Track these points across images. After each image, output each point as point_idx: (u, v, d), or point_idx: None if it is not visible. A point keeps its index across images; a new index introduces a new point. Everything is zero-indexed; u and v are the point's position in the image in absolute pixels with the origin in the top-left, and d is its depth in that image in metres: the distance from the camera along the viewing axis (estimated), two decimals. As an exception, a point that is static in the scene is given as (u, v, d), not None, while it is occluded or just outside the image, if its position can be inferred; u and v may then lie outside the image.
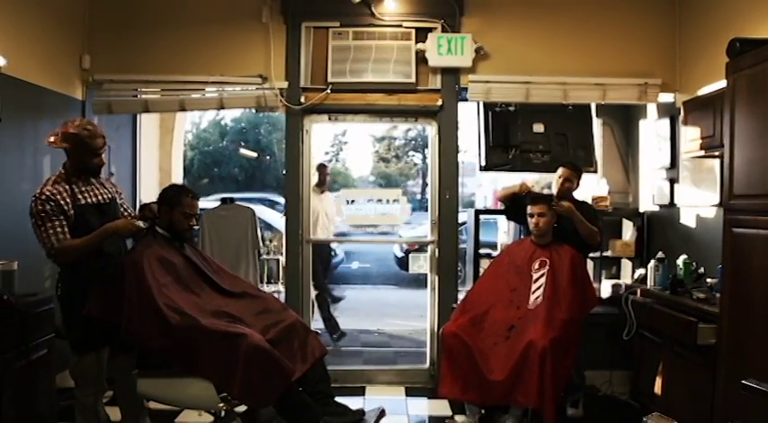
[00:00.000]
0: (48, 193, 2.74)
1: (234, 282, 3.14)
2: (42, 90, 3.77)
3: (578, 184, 3.68)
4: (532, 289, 3.26)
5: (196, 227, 3.29)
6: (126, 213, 3.10)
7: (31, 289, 3.23)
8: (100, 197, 2.92)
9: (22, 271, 3.13)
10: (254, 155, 14.51)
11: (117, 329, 2.72)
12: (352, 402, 3.82)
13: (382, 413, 2.99)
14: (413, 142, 16.86)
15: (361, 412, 3.02)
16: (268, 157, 14.99)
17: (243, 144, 15.33)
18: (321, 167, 5.47)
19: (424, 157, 14.24)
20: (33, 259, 3.45)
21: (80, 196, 2.83)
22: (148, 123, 5.22)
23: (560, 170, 3.66)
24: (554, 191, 3.67)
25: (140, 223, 2.85)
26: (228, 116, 15.41)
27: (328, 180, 5.82)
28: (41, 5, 3.77)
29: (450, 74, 4.20)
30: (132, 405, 3.10)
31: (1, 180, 3.38)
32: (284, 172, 4.38)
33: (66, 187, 2.80)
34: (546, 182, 4.77)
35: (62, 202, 2.75)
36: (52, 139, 2.83)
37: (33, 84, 3.65)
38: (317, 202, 5.10)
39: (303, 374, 2.88)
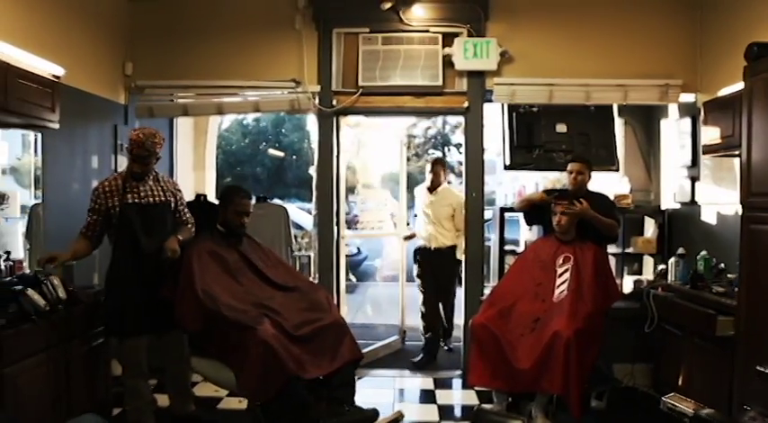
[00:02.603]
0: (100, 188, 3.07)
1: (289, 277, 3.33)
2: (90, 96, 3.99)
3: (590, 176, 3.81)
4: (557, 283, 3.41)
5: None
6: (178, 215, 3.32)
7: (88, 282, 3.49)
8: (149, 199, 3.15)
9: (79, 265, 3.37)
10: (282, 155, 14.75)
11: (153, 316, 3.02)
12: (384, 392, 4.05)
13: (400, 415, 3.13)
14: (432, 140, 16.95)
15: (374, 412, 3.09)
16: (294, 157, 15.22)
17: (265, 143, 15.59)
18: (437, 164, 5.08)
19: (444, 156, 14.33)
20: (94, 254, 3.71)
21: (128, 195, 3.08)
22: (184, 126, 5.46)
23: (570, 165, 3.80)
24: (568, 187, 3.81)
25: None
26: (250, 116, 15.64)
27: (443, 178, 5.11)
28: (90, 18, 4.00)
29: (476, 77, 4.34)
30: (180, 391, 3.34)
31: (57, 182, 3.61)
32: (309, 171, 4.58)
33: (120, 184, 3.07)
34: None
35: (110, 196, 3.04)
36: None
37: (83, 90, 3.86)
38: (425, 202, 5.01)
39: (329, 375, 3.00)
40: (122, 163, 4.28)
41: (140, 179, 3.15)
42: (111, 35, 4.29)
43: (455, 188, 5.43)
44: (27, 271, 3.14)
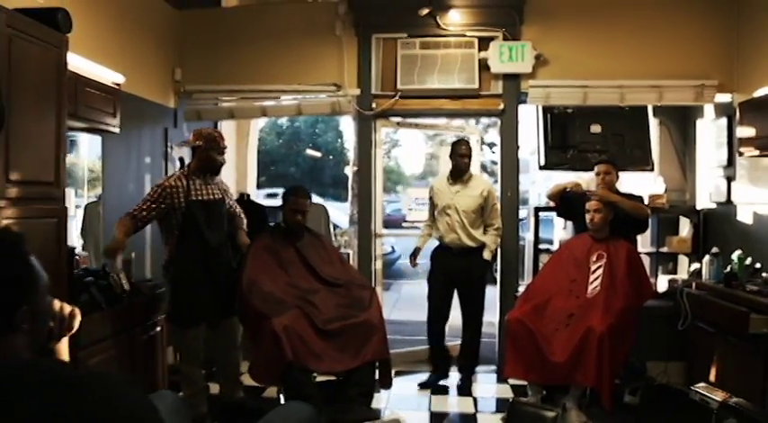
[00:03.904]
0: (166, 185, 3.26)
1: (343, 273, 3.51)
2: (143, 101, 4.22)
3: (618, 177, 3.91)
4: (590, 279, 3.51)
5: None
6: (231, 208, 3.57)
7: (141, 276, 3.73)
8: (211, 196, 3.37)
9: (137, 260, 3.62)
10: (319, 155, 15.01)
11: (215, 306, 3.28)
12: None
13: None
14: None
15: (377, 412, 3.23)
16: (331, 157, 15.46)
17: (299, 143, 15.87)
18: (460, 145, 4.20)
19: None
20: (145, 250, 3.96)
21: (193, 193, 3.29)
22: (227, 128, 5.68)
23: (597, 167, 3.92)
24: (596, 188, 3.89)
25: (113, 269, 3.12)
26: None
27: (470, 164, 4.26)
28: (143, 27, 4.23)
29: (512, 79, 4.43)
30: (230, 378, 3.54)
31: (114, 182, 3.86)
32: (345, 171, 4.73)
33: (185, 183, 3.28)
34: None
35: (175, 194, 3.24)
36: (191, 138, 3.40)
37: (137, 96, 4.08)
38: (448, 195, 4.21)
39: (348, 371, 3.14)
40: (172, 164, 4.53)
41: (204, 177, 3.38)
42: (161, 43, 4.52)
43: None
44: (86, 265, 3.40)
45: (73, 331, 1.27)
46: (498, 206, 4.29)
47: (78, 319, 1.27)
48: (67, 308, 1.26)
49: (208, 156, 3.34)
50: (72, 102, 2.89)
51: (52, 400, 0.94)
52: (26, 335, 1.07)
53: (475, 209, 4.14)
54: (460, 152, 4.18)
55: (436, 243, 4.32)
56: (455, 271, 4.17)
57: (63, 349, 1.29)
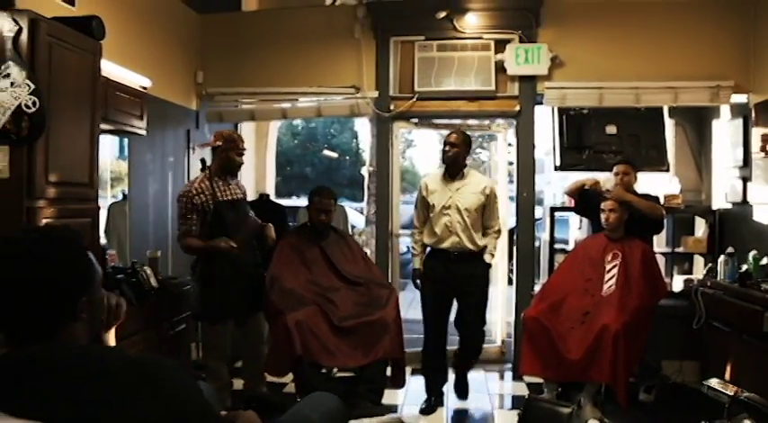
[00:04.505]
0: (193, 190, 3.35)
1: (362, 272, 3.62)
2: (167, 103, 4.32)
3: (636, 177, 3.96)
4: (605, 278, 3.56)
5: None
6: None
7: (171, 273, 3.86)
8: (234, 196, 3.49)
9: (161, 259, 3.73)
10: (336, 155, 15.12)
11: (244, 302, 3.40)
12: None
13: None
14: (480, 139, 16.96)
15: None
16: (347, 158, 15.56)
17: (314, 143, 15.99)
18: (456, 135, 3.76)
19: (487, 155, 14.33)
20: (168, 249, 4.08)
21: (219, 194, 3.40)
22: (246, 130, 5.79)
23: (616, 167, 3.96)
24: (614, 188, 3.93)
25: (224, 246, 3.28)
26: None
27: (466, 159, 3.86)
28: (167, 31, 4.35)
29: (528, 81, 4.49)
30: (255, 373, 3.65)
31: (140, 182, 3.98)
32: (361, 171, 4.81)
33: (209, 185, 3.38)
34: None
35: (202, 198, 3.33)
36: (212, 139, 3.52)
37: (161, 98, 4.19)
38: (444, 194, 3.77)
39: (360, 367, 3.25)
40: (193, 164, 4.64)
41: (226, 179, 3.49)
42: (184, 46, 4.63)
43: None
44: (114, 263, 3.51)
45: (120, 321, 1.37)
46: (499, 206, 3.95)
47: (124, 309, 1.38)
48: (114, 299, 1.35)
49: (227, 156, 3.44)
50: (103, 105, 2.99)
51: (112, 381, 1.04)
52: (84, 324, 1.17)
53: (477, 207, 3.71)
54: (449, 140, 3.72)
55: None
56: (455, 279, 3.70)
57: (111, 338, 1.40)
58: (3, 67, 2.23)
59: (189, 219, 3.34)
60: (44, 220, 2.37)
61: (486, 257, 3.77)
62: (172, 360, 1.17)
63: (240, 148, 3.49)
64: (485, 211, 3.77)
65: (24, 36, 2.28)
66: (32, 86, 2.24)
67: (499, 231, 3.88)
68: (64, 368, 1.04)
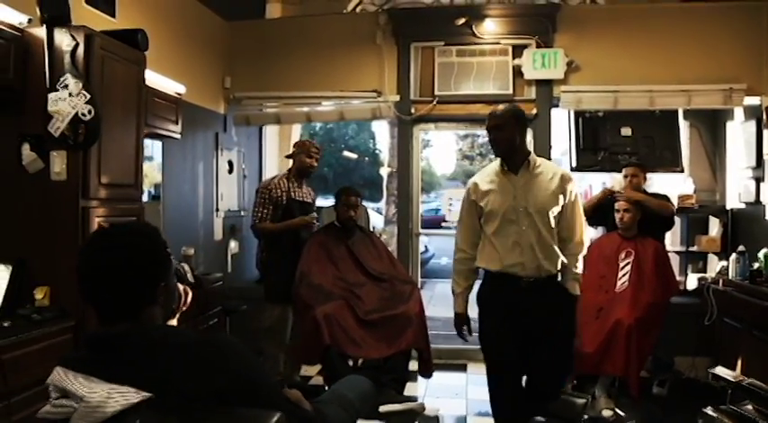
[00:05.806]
0: (273, 184, 3.75)
1: (386, 269, 3.78)
2: (197, 108, 4.53)
3: (645, 179, 4.09)
4: (619, 275, 3.70)
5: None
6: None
7: (204, 270, 4.07)
8: (305, 197, 3.87)
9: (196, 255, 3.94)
10: (356, 156, 15.32)
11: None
12: (456, 378, 4.36)
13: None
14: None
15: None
16: (366, 159, 15.74)
17: (332, 144, 16.17)
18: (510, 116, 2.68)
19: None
20: (198, 247, 4.27)
21: (293, 193, 3.76)
22: (270, 133, 6.00)
23: (625, 170, 4.09)
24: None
25: (308, 218, 3.72)
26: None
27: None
28: (197, 38, 4.56)
29: (544, 85, 4.63)
30: (289, 364, 3.87)
31: (174, 183, 4.19)
32: (380, 172, 4.96)
33: (287, 183, 3.76)
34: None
35: (279, 192, 3.72)
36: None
37: (193, 103, 4.39)
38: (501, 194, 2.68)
39: (384, 358, 3.39)
40: (219, 165, 4.85)
41: (300, 181, 3.84)
42: (213, 53, 4.84)
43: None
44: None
45: (186, 307, 1.56)
46: (581, 207, 2.81)
47: (191, 296, 1.56)
48: (180, 287, 1.54)
49: (299, 160, 3.81)
50: (143, 111, 3.20)
51: (190, 355, 1.23)
52: (160, 308, 1.36)
53: (553, 209, 2.64)
54: (491, 125, 2.68)
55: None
56: (528, 316, 2.62)
57: (175, 323, 1.58)
58: (61, 79, 2.44)
59: (265, 208, 3.70)
60: (96, 220, 2.58)
61: (571, 286, 2.73)
62: (236, 339, 1.35)
63: (309, 151, 3.82)
64: (562, 216, 2.69)
65: (81, 50, 2.49)
66: (88, 96, 2.45)
67: (582, 244, 2.77)
68: (151, 342, 1.23)
